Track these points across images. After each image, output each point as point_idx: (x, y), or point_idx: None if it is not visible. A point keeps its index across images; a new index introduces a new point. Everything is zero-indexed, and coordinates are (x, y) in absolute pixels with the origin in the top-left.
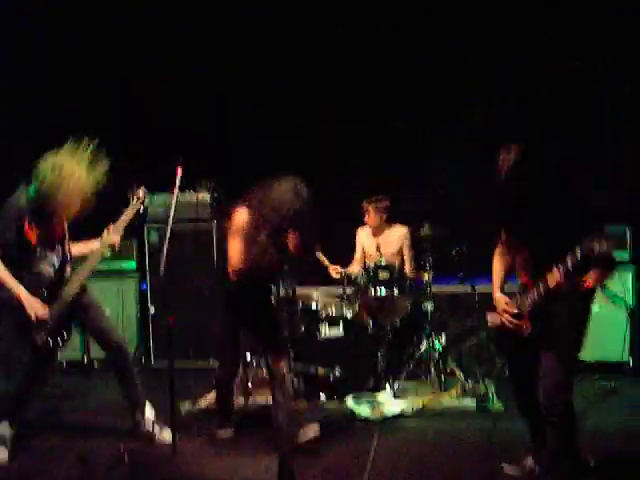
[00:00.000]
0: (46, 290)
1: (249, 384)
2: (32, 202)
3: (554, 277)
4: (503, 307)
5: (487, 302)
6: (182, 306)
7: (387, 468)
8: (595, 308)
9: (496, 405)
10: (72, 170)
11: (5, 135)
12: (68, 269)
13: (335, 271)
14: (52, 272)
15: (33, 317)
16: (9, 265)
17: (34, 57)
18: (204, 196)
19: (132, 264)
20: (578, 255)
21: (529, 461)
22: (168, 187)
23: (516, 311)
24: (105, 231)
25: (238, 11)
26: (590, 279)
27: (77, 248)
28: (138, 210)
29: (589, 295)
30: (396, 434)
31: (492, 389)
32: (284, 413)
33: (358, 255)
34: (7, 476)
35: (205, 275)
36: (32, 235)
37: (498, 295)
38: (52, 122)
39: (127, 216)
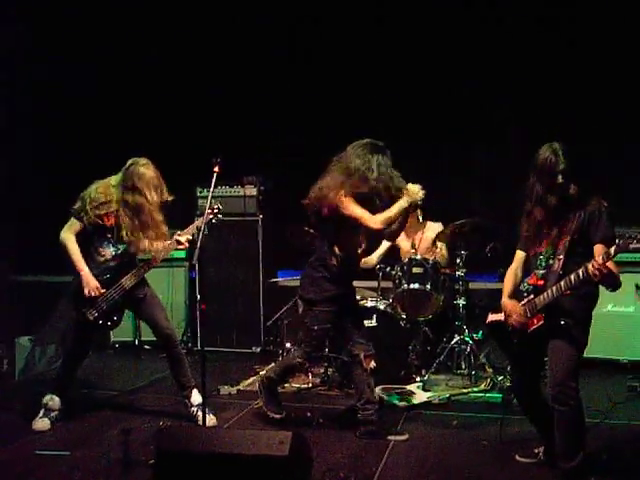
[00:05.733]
0: (105, 276)
1: None
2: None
3: (595, 264)
4: (510, 309)
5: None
6: (225, 296)
7: (406, 452)
8: (630, 309)
9: None
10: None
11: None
12: (134, 260)
13: None
14: (117, 259)
15: (86, 292)
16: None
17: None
18: (251, 190)
19: (182, 254)
20: (622, 244)
21: (541, 450)
22: (220, 181)
23: (522, 313)
24: (174, 236)
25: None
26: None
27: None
28: (210, 221)
29: (596, 292)
30: (420, 421)
31: None
32: (376, 408)
33: (379, 252)
34: (53, 442)
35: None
36: (108, 222)
37: (505, 300)
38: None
39: (198, 224)
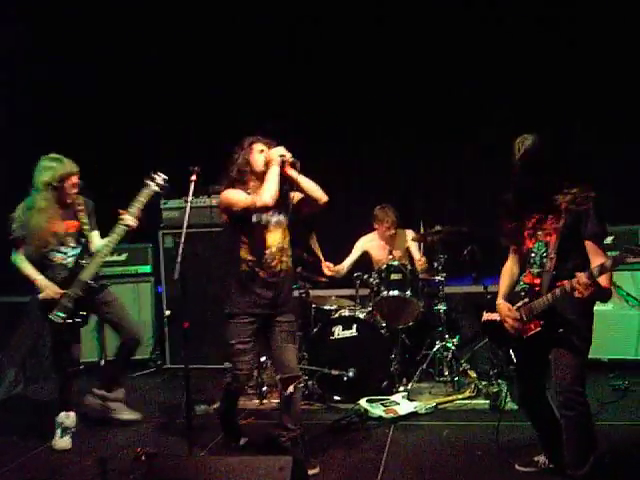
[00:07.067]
0: (62, 276)
1: (264, 387)
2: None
3: (580, 282)
4: (506, 313)
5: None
6: (196, 310)
7: (400, 466)
8: (609, 307)
9: (508, 404)
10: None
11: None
12: (85, 258)
13: (328, 268)
14: (68, 261)
15: (44, 295)
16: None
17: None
18: (218, 200)
19: (147, 268)
20: (609, 265)
21: (541, 458)
22: (181, 193)
23: (518, 317)
24: (121, 216)
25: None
26: (604, 282)
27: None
28: (153, 194)
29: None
30: (409, 433)
31: (504, 389)
32: (291, 436)
33: (350, 260)
34: (23, 476)
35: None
36: None
37: (500, 302)
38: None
39: (142, 198)
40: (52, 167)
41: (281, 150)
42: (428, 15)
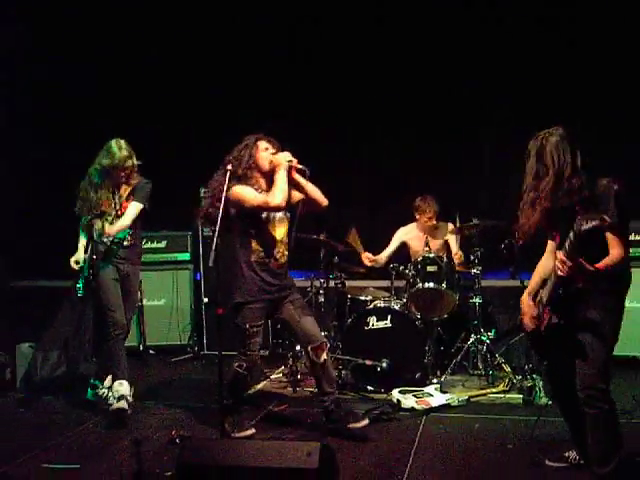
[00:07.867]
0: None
1: (298, 375)
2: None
3: (558, 258)
4: (524, 310)
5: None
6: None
7: (430, 456)
8: None
9: (542, 399)
10: None
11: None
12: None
13: (368, 259)
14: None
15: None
16: None
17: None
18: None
19: (186, 256)
20: (571, 236)
21: (572, 454)
22: None
23: (535, 315)
24: None
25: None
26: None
27: None
28: None
29: (618, 288)
30: (440, 425)
31: (539, 383)
32: (332, 399)
33: (388, 251)
34: (62, 454)
35: None
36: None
37: (524, 297)
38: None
39: None
40: (113, 154)
41: (288, 156)
42: (428, 15)
